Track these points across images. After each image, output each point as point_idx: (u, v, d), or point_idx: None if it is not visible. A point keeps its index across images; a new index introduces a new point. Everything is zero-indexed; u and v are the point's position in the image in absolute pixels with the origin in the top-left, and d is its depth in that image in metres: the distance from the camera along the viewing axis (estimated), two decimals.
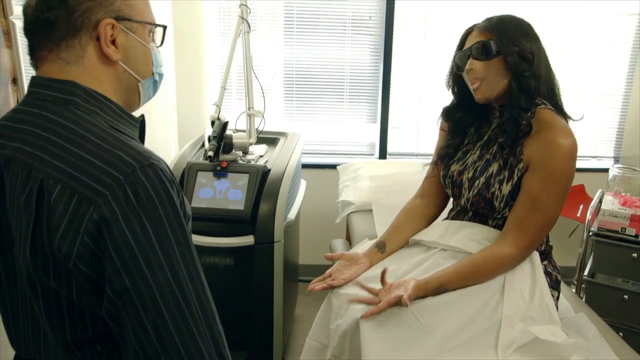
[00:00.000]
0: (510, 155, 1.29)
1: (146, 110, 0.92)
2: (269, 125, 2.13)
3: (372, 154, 2.94)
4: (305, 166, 2.52)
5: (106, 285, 0.68)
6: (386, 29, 2.70)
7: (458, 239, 1.34)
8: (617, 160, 2.97)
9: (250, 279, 1.84)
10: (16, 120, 0.76)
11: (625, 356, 1.29)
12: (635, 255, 2.04)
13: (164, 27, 0.89)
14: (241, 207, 1.79)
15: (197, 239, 1.78)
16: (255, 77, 2.04)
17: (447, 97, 1.49)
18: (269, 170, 1.88)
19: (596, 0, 2.70)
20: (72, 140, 0.71)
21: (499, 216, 1.33)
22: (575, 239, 2.54)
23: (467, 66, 1.30)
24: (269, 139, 2.24)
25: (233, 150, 1.94)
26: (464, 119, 1.41)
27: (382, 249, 1.44)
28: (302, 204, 2.19)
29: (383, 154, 2.89)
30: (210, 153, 1.80)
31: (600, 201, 2.23)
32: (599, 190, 2.32)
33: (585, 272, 2.20)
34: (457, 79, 1.40)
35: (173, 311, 0.68)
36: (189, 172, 1.86)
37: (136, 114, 0.86)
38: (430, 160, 1.56)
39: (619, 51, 2.81)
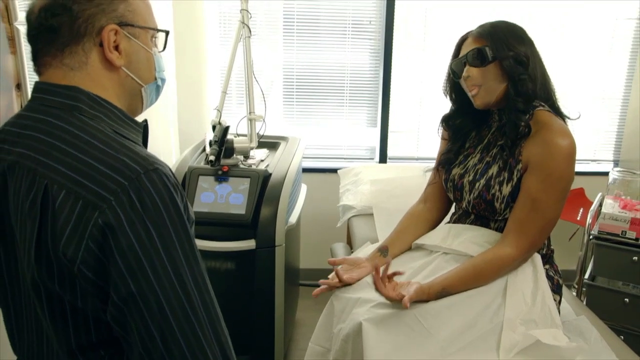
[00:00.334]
0: (509, 156, 1.30)
1: (147, 115, 0.93)
2: (269, 130, 2.13)
3: (372, 158, 2.94)
4: (305, 170, 2.53)
5: (111, 290, 0.68)
6: (386, 33, 2.71)
7: (460, 242, 1.35)
8: (616, 163, 2.97)
9: (252, 283, 1.84)
10: (20, 126, 0.77)
11: (627, 359, 1.29)
12: (635, 258, 2.04)
13: (167, 33, 0.90)
14: (242, 212, 1.80)
15: (199, 244, 1.77)
16: (256, 81, 2.05)
17: (447, 102, 1.49)
18: (270, 174, 1.89)
19: (595, 1, 2.71)
20: (76, 146, 0.71)
21: (500, 218, 1.34)
22: (576, 243, 2.54)
23: (464, 73, 1.31)
24: (270, 144, 2.25)
25: (234, 155, 1.94)
26: (463, 125, 1.42)
27: (384, 253, 1.44)
28: (302, 208, 2.19)
29: (383, 158, 2.89)
30: (212, 157, 1.80)
31: (601, 204, 2.23)
32: (599, 194, 2.32)
33: (586, 276, 2.21)
34: (454, 86, 1.41)
35: (178, 315, 0.68)
36: (191, 177, 1.87)
37: (139, 119, 0.87)
38: (431, 166, 1.57)
39: (618, 54, 2.82)
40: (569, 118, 1.34)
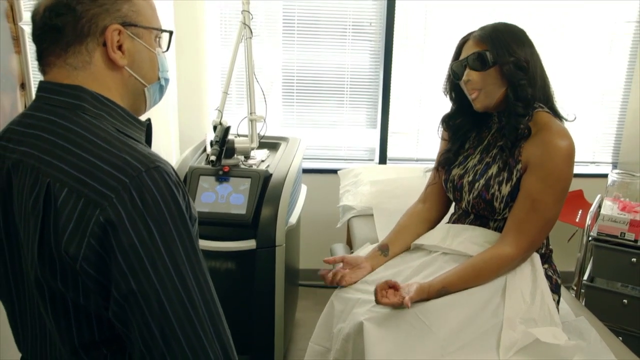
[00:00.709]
0: (509, 157, 1.30)
1: (147, 115, 0.93)
2: (269, 130, 2.14)
3: (372, 159, 2.95)
4: (305, 171, 2.53)
5: (112, 287, 0.68)
6: (386, 34, 2.71)
7: (459, 242, 1.36)
8: (615, 165, 2.98)
9: (252, 283, 1.85)
10: (25, 125, 0.77)
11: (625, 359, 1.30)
12: (634, 259, 2.05)
13: (170, 33, 0.91)
14: (243, 212, 1.80)
15: (199, 243, 1.78)
16: (257, 82, 2.06)
17: (447, 103, 1.50)
18: (271, 175, 1.89)
19: (594, 3, 2.72)
20: (79, 145, 0.71)
21: (499, 217, 1.35)
22: (574, 244, 2.55)
23: (464, 77, 1.32)
24: (270, 144, 2.25)
25: (235, 155, 1.95)
26: (463, 125, 1.43)
27: (385, 252, 1.45)
28: (302, 209, 2.19)
29: (383, 159, 2.90)
30: (213, 158, 1.81)
31: (600, 206, 2.24)
32: (598, 196, 2.33)
33: (585, 277, 2.21)
34: (454, 86, 1.42)
35: (179, 313, 0.69)
36: (191, 177, 1.87)
37: (142, 118, 0.87)
38: (431, 167, 1.57)
39: (617, 57, 2.83)
40: (566, 120, 1.35)
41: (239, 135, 2.08)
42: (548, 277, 1.35)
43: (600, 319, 1.52)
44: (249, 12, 1.98)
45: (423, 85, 2.83)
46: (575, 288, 2.23)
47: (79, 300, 0.72)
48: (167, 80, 0.91)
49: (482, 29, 1.32)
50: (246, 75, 2.03)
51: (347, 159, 2.94)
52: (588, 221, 2.16)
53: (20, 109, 1.34)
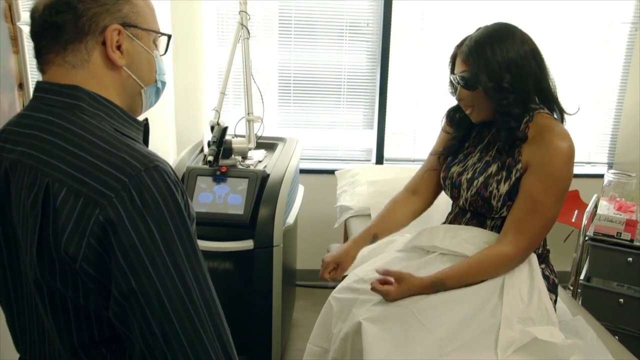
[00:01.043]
0: (508, 156, 1.31)
1: (144, 115, 0.93)
2: (266, 131, 2.14)
3: (369, 160, 2.95)
4: (301, 172, 2.54)
5: (112, 286, 0.68)
6: (383, 35, 2.72)
7: (457, 242, 1.36)
8: (610, 166, 2.99)
9: (250, 283, 1.85)
10: (22, 125, 0.77)
11: (622, 358, 1.31)
12: (630, 259, 2.06)
13: (169, 37, 0.91)
14: (240, 212, 1.80)
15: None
16: (255, 82, 2.06)
17: (443, 104, 1.51)
18: (268, 175, 1.89)
19: (590, 2, 2.73)
20: (77, 144, 0.71)
21: (496, 216, 1.35)
22: (570, 244, 2.56)
23: (457, 95, 1.36)
24: (268, 144, 2.25)
25: (232, 155, 1.95)
26: (467, 118, 1.43)
27: (374, 241, 1.50)
28: (299, 209, 2.20)
29: (380, 160, 2.91)
30: (210, 158, 1.81)
31: (596, 206, 2.25)
32: (595, 196, 2.34)
33: (581, 276, 2.22)
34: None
35: (179, 312, 0.69)
36: (189, 177, 1.87)
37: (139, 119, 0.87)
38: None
39: (613, 58, 2.85)
40: (567, 113, 1.36)
41: (236, 136, 2.08)
42: (545, 277, 1.36)
43: (597, 318, 1.53)
44: (246, 12, 1.98)
45: (420, 85, 2.84)
46: (571, 288, 2.24)
47: (78, 300, 0.72)
48: (163, 83, 0.91)
49: (468, 44, 1.31)
50: (243, 76, 2.03)
51: (344, 160, 2.94)
52: (584, 221, 2.17)
53: (18, 109, 1.33)
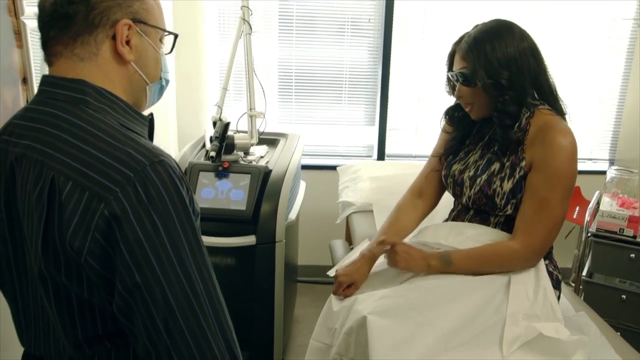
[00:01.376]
0: (512, 154, 1.31)
1: (146, 111, 0.93)
2: (268, 127, 2.14)
3: (370, 156, 2.95)
4: (303, 167, 2.53)
5: (117, 281, 0.68)
6: (385, 31, 2.71)
7: (462, 239, 1.35)
8: (612, 162, 2.99)
9: (252, 279, 1.85)
10: (28, 119, 0.77)
11: (625, 354, 1.31)
12: (632, 255, 2.06)
13: (176, 36, 0.91)
14: (243, 207, 1.80)
15: None
16: (257, 78, 2.05)
17: (445, 99, 1.50)
18: (271, 170, 1.89)
19: (592, 1, 2.72)
20: (83, 138, 0.71)
21: (500, 213, 1.35)
22: (572, 241, 2.56)
23: (456, 92, 1.35)
24: (270, 140, 2.25)
25: (234, 151, 1.94)
26: (466, 117, 1.43)
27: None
28: (301, 205, 2.19)
29: (381, 156, 2.90)
30: (213, 153, 1.80)
31: (598, 202, 2.25)
32: (597, 192, 2.34)
33: (584, 273, 2.22)
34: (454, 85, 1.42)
35: (183, 307, 0.69)
36: (191, 173, 1.87)
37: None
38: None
39: (615, 54, 2.84)
40: (567, 107, 1.35)
41: (238, 131, 2.08)
42: (549, 273, 1.35)
43: (599, 314, 1.53)
44: (248, 7, 1.97)
45: (421, 81, 2.83)
46: (573, 284, 2.24)
47: (83, 294, 0.72)
48: (167, 81, 0.92)
49: (467, 40, 1.31)
50: (246, 72, 2.03)
51: (345, 156, 2.94)
52: (587, 217, 2.17)
53: (22, 103, 1.33)
